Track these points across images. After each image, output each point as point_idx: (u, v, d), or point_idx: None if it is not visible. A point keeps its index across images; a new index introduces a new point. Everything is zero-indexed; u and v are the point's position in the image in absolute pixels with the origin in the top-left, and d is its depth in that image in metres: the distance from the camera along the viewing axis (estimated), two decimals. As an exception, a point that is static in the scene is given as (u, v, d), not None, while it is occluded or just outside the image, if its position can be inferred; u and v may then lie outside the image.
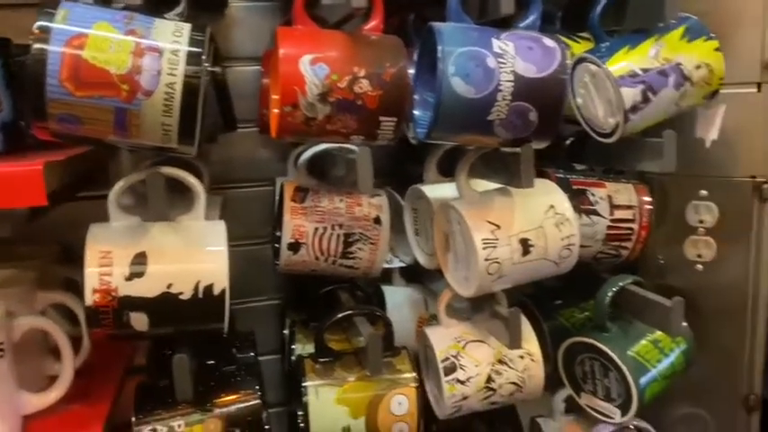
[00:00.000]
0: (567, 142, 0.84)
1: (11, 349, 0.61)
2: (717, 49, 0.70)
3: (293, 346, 0.80)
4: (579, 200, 0.78)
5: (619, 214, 0.79)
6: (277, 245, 0.76)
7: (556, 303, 0.91)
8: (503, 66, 0.60)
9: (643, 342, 0.79)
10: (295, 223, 0.74)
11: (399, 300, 0.91)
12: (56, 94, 0.49)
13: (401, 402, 0.70)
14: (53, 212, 0.76)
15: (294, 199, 0.75)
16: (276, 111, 0.62)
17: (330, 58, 0.62)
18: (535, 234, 0.69)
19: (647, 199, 0.80)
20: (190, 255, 0.60)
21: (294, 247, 0.74)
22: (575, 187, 0.79)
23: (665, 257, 0.87)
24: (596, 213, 0.79)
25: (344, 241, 0.75)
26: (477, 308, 0.81)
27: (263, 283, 0.95)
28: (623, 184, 0.81)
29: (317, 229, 0.75)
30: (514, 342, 0.71)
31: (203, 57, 0.52)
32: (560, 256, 0.70)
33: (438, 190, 0.79)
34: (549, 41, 0.63)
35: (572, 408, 0.89)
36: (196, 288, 0.58)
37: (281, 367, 0.91)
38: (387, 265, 0.91)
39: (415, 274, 0.95)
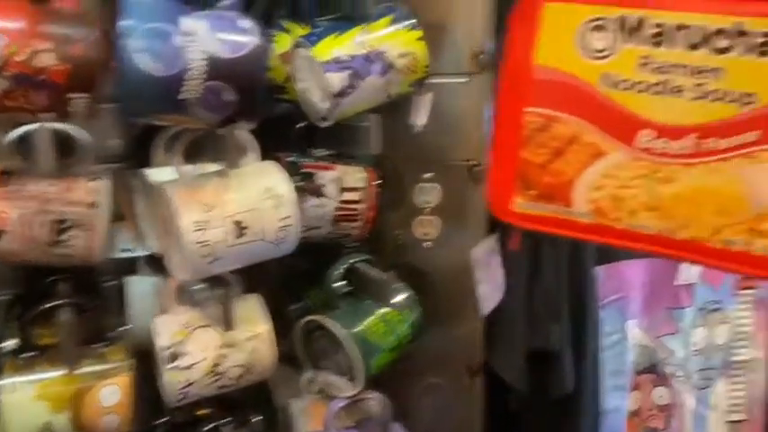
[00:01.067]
0: (299, 126, 0.85)
1: None
2: (420, 39, 0.75)
3: (1, 344, 0.74)
4: (307, 182, 0.80)
5: (347, 196, 0.82)
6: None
7: (306, 285, 0.93)
8: (192, 44, 0.59)
9: (371, 318, 0.83)
10: (-5, 209, 0.68)
11: (144, 289, 0.87)
12: None
13: (111, 393, 0.68)
14: None
15: (-5, 183, 0.69)
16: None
17: (9, 30, 0.58)
18: (250, 216, 0.69)
19: (376, 182, 0.84)
20: None
21: (-4, 235, 0.69)
22: (304, 170, 0.81)
23: (401, 236, 0.92)
24: (324, 195, 0.81)
25: (56, 228, 0.71)
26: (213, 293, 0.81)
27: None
28: (353, 167, 0.84)
29: (22, 215, 0.69)
30: (228, 324, 0.71)
31: None
32: (278, 238, 0.72)
33: (163, 173, 0.77)
34: (244, 23, 0.63)
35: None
36: None
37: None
38: (128, 255, 0.88)
39: (161, 264, 0.92)
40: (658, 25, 0.39)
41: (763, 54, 0.37)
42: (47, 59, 0.58)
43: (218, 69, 0.60)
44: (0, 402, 0.64)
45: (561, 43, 0.41)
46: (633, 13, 0.39)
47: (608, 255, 0.91)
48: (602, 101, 0.41)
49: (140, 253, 0.88)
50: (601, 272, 0.91)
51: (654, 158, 0.41)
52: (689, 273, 0.95)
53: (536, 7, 0.41)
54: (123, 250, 0.85)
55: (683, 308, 0.96)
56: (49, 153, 0.75)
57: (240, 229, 0.69)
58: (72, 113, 0.61)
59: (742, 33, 0.37)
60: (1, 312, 0.88)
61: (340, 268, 0.82)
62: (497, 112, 0.43)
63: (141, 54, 0.58)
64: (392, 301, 0.83)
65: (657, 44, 0.39)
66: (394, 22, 0.74)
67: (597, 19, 0.40)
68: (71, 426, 0.66)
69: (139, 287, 0.87)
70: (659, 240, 0.42)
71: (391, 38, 0.73)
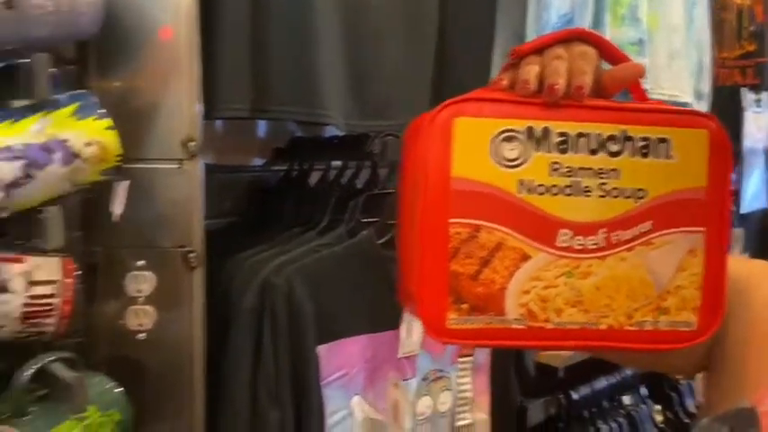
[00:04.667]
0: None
1: None
2: (109, 128, 0.73)
3: None
4: (-11, 277, 0.73)
5: (38, 290, 0.76)
6: None
7: None
8: None
9: (66, 422, 0.76)
10: None
11: None
12: None
13: None
14: None
15: None
16: None
17: None
18: None
19: (75, 272, 0.79)
20: None
21: None
22: (-15, 264, 0.74)
23: (110, 329, 0.87)
24: (8, 291, 0.74)
25: None
26: None
27: None
28: (47, 258, 0.79)
29: None
30: None
31: None
32: None
33: None
34: None
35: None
36: None
37: None
38: None
39: None
40: (562, 134, 0.43)
41: (645, 155, 0.43)
42: None
43: None
44: None
45: (476, 155, 0.43)
46: (539, 125, 0.43)
47: (330, 332, 0.93)
48: (522, 206, 0.43)
49: None
50: (323, 350, 0.93)
51: (573, 255, 0.44)
52: (410, 344, 1.00)
53: (446, 123, 0.41)
54: None
55: (406, 379, 1.01)
56: None
57: None
58: None
59: (628, 138, 0.43)
60: None
61: (29, 369, 0.75)
62: (421, 228, 0.42)
63: None
64: (91, 404, 0.77)
65: (563, 151, 0.43)
66: (79, 110, 0.72)
67: (507, 131, 0.43)
68: None
69: None
70: (585, 334, 0.44)
71: (76, 126, 0.71)
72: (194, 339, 0.86)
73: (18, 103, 0.73)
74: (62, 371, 0.76)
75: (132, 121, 0.82)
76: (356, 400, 0.96)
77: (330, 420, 0.93)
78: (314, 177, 1.13)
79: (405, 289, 0.45)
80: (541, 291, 0.44)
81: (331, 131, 1.19)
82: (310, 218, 1.05)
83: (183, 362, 0.86)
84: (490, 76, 1.18)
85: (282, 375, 0.90)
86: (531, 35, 1.23)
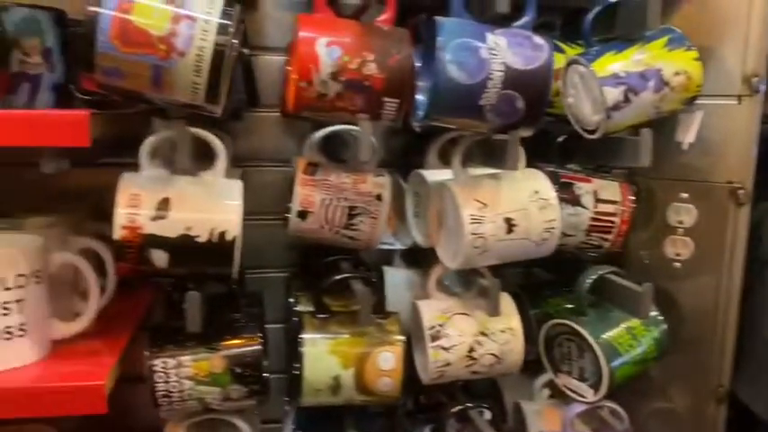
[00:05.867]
0: (559, 140, 0.90)
1: (47, 279, 0.70)
2: (696, 59, 0.77)
3: (296, 308, 0.88)
4: (566, 191, 0.85)
5: (602, 208, 0.86)
6: (288, 214, 0.83)
7: (545, 293, 0.98)
8: (494, 57, 0.68)
9: (618, 328, 0.85)
10: (305, 193, 0.82)
11: (398, 280, 0.98)
12: (104, 49, 0.58)
13: (388, 358, 0.77)
14: (84, 175, 0.86)
15: (305, 172, 0.83)
16: (292, 87, 0.71)
17: (343, 43, 0.70)
18: (519, 215, 0.76)
19: (631, 197, 0.87)
20: (208, 204, 0.68)
21: (302, 215, 0.82)
22: (563, 180, 0.86)
23: (647, 256, 0.93)
24: (581, 205, 0.85)
25: (348, 213, 0.83)
26: (466, 287, 0.89)
27: (273, 257, 1.03)
28: (609, 181, 0.88)
29: (323, 199, 0.82)
30: (494, 309, 0.78)
31: (231, 29, 0.61)
32: (541, 238, 0.77)
33: (437, 175, 0.86)
34: (538, 39, 0.70)
35: (552, 393, 0.95)
36: (211, 233, 0.66)
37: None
38: (388, 247, 0.99)
39: (414, 259, 1.02)
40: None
41: None
42: (372, 68, 0.70)
43: (513, 79, 0.68)
44: (303, 353, 0.76)
45: None
46: None
47: None
48: None
49: (398, 247, 1.00)
50: None
51: None
52: None
53: None
54: (383, 243, 0.95)
55: None
56: (348, 153, 0.89)
57: (510, 225, 0.75)
58: (383, 116, 0.72)
59: None
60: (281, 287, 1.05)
61: (592, 276, 0.85)
62: None
63: (452, 65, 0.67)
64: (639, 315, 0.84)
65: None
66: (670, 42, 0.77)
67: None
68: (354, 382, 0.76)
69: (394, 277, 0.98)
70: None
71: (668, 57, 0.76)
72: (733, 275, 0.86)
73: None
74: (622, 281, 0.85)
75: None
76: None
77: None
78: None
79: None
80: None
81: None
82: None
83: (718, 295, 0.87)
84: None
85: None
86: None
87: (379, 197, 0.84)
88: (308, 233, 0.84)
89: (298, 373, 0.77)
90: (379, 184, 0.84)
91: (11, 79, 0.71)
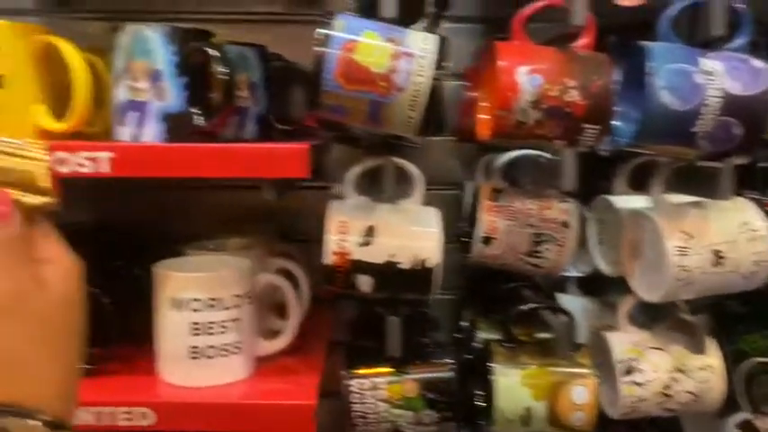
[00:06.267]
0: (762, 165, 0.84)
1: (255, 299, 0.74)
2: None
3: (477, 334, 0.88)
4: (772, 221, 0.79)
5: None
6: (469, 239, 0.84)
7: (738, 328, 0.91)
8: (710, 82, 0.64)
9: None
10: (489, 219, 0.82)
11: (573, 308, 0.95)
12: (329, 87, 0.61)
13: (581, 392, 0.75)
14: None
15: (490, 198, 0.83)
16: (487, 116, 0.71)
17: (543, 70, 0.69)
18: (728, 247, 0.71)
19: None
20: (410, 232, 0.69)
21: (486, 240, 0.82)
22: (767, 208, 0.80)
23: None
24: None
25: (533, 240, 0.82)
26: (656, 320, 0.84)
27: (443, 279, 1.04)
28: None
29: (508, 225, 0.82)
30: (699, 347, 0.74)
31: (444, 64, 0.62)
32: (750, 271, 0.72)
33: (627, 201, 0.83)
34: (757, 63, 0.66)
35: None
36: (414, 260, 0.68)
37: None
38: (565, 274, 0.96)
39: (589, 287, 0.98)
40: None
41: None
42: (574, 95, 0.69)
43: (731, 105, 0.64)
44: (495, 382, 0.76)
45: None
46: None
47: None
48: None
49: (574, 274, 0.97)
50: None
51: None
52: None
53: None
54: (560, 269, 0.93)
55: None
56: (528, 177, 0.88)
57: (718, 258, 0.71)
58: (580, 142, 0.71)
59: None
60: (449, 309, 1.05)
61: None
62: None
63: (664, 90, 0.64)
64: None
65: None
66: None
67: None
68: (547, 414, 0.75)
69: (569, 305, 0.95)
70: None
71: None
72: None
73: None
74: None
75: None
76: None
77: None
78: None
79: None
80: None
81: None
82: None
83: None
84: None
85: None
86: None
87: (565, 224, 0.82)
88: (490, 259, 0.84)
89: (483, 401, 0.77)
90: (565, 210, 0.83)
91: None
